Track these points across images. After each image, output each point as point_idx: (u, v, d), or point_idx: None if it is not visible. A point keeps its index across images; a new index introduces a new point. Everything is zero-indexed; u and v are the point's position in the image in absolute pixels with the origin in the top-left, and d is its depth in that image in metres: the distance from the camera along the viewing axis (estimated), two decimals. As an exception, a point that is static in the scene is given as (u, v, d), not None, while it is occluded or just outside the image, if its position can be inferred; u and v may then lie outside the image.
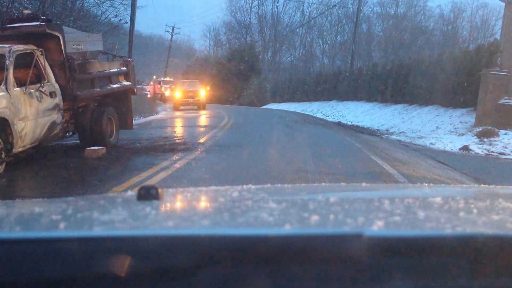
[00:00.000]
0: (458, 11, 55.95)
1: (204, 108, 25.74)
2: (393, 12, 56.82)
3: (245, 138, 11.05)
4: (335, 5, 51.46)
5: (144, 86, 42.49)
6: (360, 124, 21.38)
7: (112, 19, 18.29)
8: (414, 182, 6.34)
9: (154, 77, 44.37)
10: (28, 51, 7.38)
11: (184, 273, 0.66)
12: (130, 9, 20.38)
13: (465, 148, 11.93)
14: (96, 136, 8.48)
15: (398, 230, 0.79)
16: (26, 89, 6.97)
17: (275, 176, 6.29)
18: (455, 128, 15.89)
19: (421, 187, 2.01)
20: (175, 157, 7.84)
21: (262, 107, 36.28)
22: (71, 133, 8.87)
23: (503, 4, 19.08)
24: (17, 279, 0.66)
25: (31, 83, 7.16)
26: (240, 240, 0.70)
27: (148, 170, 6.65)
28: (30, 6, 13.14)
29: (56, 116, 7.78)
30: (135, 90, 11.02)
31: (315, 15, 55.66)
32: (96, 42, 9.59)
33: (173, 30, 53.66)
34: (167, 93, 37.95)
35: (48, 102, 7.53)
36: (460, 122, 16.58)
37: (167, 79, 43.45)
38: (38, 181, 6.24)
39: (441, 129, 16.19)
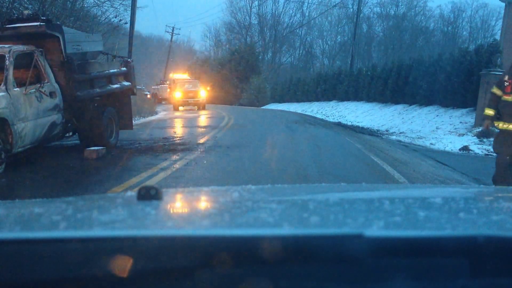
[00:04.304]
0: (458, 11, 56.04)
1: (204, 108, 25.74)
2: (393, 12, 56.85)
3: (245, 139, 11.04)
4: (335, 6, 51.53)
5: (162, 86, 41.25)
6: (360, 124, 21.37)
7: (112, 20, 18.29)
8: (414, 182, 6.34)
9: (171, 75, 40.45)
10: (28, 51, 7.38)
11: (184, 273, 0.66)
12: (130, 10, 20.37)
13: (465, 148, 11.93)
14: (96, 136, 8.48)
15: (398, 230, 0.79)
16: (26, 89, 6.97)
17: (275, 176, 6.28)
18: (455, 129, 15.89)
19: (421, 188, 2.01)
20: (175, 157, 7.83)
21: (262, 107, 36.26)
22: (71, 133, 8.88)
23: (503, 4, 19.12)
24: (17, 279, 0.66)
25: (31, 83, 7.16)
26: (240, 240, 0.70)
27: (148, 171, 6.65)
28: (30, 6, 13.13)
29: (56, 117, 7.78)
30: (135, 91, 11.02)
31: (315, 16, 55.72)
32: (96, 43, 9.59)
33: (173, 30, 53.69)
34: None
35: (48, 102, 7.53)
36: (460, 122, 16.58)
37: (186, 77, 37.40)
38: (38, 181, 6.23)
39: (441, 129, 16.19)
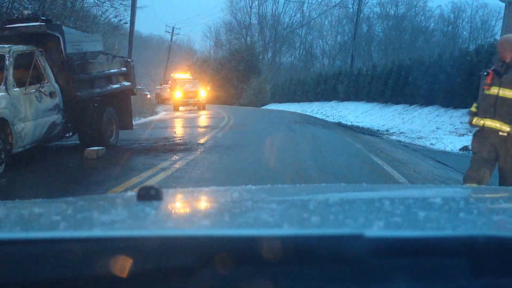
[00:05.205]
0: (458, 11, 56.04)
1: (204, 109, 25.74)
2: (393, 12, 56.84)
3: (245, 139, 11.04)
4: (335, 6, 51.59)
5: (165, 86, 40.81)
6: (360, 124, 21.36)
7: (112, 20, 18.31)
8: (414, 183, 6.33)
9: (172, 75, 38.99)
10: (28, 51, 7.38)
11: (184, 273, 0.66)
12: (130, 10, 20.38)
13: (465, 148, 11.92)
14: (96, 137, 8.48)
15: (398, 230, 0.79)
16: (26, 89, 6.97)
17: (275, 176, 6.28)
18: (456, 129, 15.88)
19: (421, 188, 2.01)
20: (175, 157, 7.83)
21: (262, 107, 36.25)
22: (71, 134, 8.87)
23: (503, 4, 19.09)
24: (17, 279, 0.66)
25: (31, 83, 7.16)
26: (240, 240, 0.70)
27: (148, 171, 6.64)
28: (30, 6, 13.13)
29: (56, 117, 7.78)
30: (135, 91, 11.02)
31: (315, 16, 55.74)
32: (96, 43, 9.59)
33: (173, 30, 53.71)
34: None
35: (48, 102, 7.53)
36: (460, 122, 16.56)
37: (188, 76, 35.06)
38: (38, 181, 6.24)
39: (441, 129, 16.18)
